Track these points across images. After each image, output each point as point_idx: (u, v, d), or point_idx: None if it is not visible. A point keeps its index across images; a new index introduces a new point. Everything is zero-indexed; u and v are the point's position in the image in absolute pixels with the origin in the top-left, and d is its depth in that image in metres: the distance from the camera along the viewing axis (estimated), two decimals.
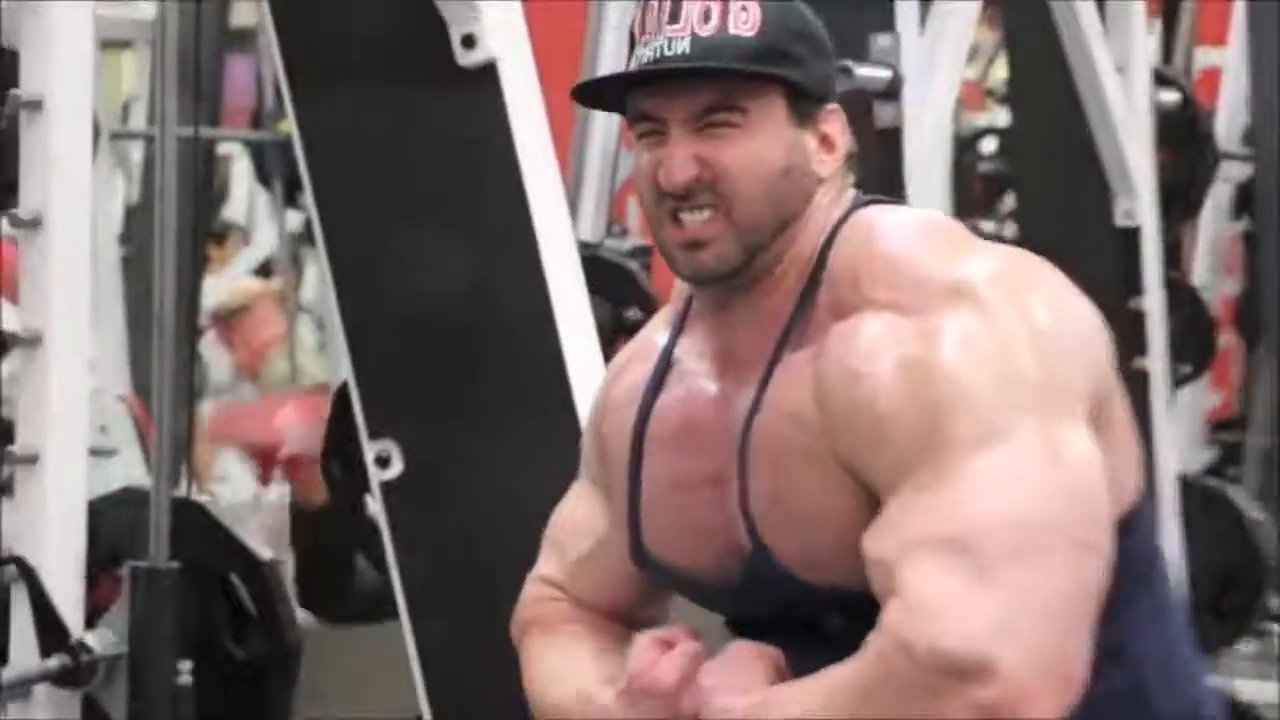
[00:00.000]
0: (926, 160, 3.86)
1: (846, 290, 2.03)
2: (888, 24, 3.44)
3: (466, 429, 3.02)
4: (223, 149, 8.36)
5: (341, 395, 3.37)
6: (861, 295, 2.02)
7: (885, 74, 3.41)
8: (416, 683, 3.07)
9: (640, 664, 2.05)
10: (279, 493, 7.59)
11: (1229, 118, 5.92)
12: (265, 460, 5.87)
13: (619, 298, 3.76)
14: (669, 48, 2.02)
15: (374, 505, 3.24)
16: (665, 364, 2.15)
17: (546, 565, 2.28)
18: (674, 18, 2.03)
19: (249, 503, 6.52)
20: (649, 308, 3.84)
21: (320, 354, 7.75)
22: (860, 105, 3.41)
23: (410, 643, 3.04)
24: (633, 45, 2.08)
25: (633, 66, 2.07)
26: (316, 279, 7.57)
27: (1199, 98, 5.76)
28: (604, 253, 3.84)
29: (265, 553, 3.13)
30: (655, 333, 2.22)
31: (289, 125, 3.28)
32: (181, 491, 3.22)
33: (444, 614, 3.03)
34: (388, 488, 3.06)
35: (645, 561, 2.17)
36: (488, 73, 3.12)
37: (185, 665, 3.02)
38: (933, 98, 3.62)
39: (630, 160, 4.79)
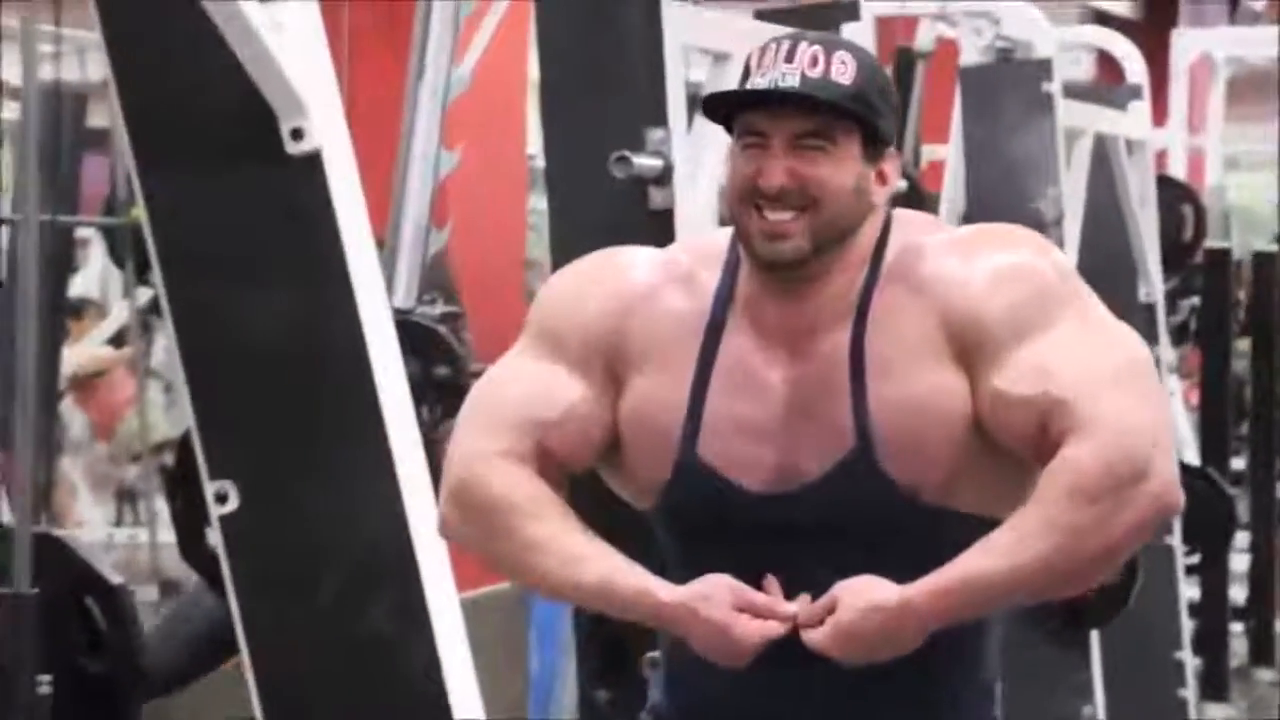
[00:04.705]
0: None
1: (912, 259, 2.19)
2: (660, 119, 3.47)
3: (294, 468, 2.99)
4: (80, 234, 8.24)
5: (184, 444, 3.34)
6: (932, 256, 2.20)
7: (659, 163, 3.43)
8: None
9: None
10: (129, 533, 7.48)
11: (949, 201, 6.02)
12: None
13: (429, 357, 3.75)
14: (782, 80, 2.16)
15: (213, 536, 3.22)
16: (722, 312, 2.22)
17: (501, 440, 2.23)
18: (789, 58, 2.17)
19: (104, 541, 6.44)
20: (458, 366, 3.83)
21: (168, 412, 7.65)
22: (637, 190, 3.44)
23: (249, 666, 2.97)
24: (746, 75, 2.19)
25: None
26: (164, 347, 7.46)
27: (925, 184, 5.94)
28: (416, 317, 3.83)
29: (116, 578, 3.09)
30: (684, 272, 2.27)
31: (138, 212, 3.25)
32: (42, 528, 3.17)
33: (280, 635, 2.98)
34: (225, 520, 3.01)
35: (689, 465, 2.19)
36: (314, 160, 3.11)
37: (45, 678, 2.98)
38: (699, 184, 3.64)
39: (438, 237, 4.76)
